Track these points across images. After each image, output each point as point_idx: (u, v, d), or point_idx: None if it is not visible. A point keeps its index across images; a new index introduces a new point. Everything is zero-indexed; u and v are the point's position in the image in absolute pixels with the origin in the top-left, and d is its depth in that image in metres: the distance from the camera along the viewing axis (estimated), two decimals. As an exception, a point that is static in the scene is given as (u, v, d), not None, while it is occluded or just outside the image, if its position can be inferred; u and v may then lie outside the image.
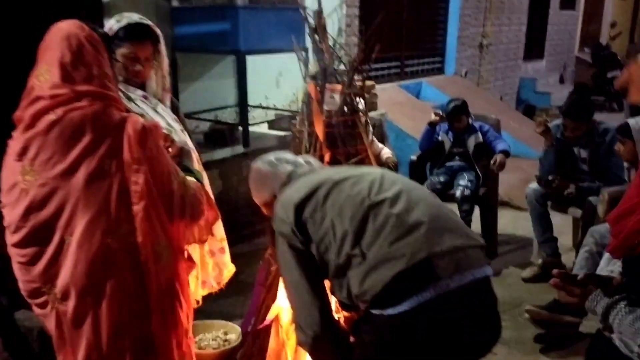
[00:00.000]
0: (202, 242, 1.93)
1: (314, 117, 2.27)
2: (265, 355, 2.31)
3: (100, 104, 1.53)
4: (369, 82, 5.46)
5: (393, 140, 5.48)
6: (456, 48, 7.82)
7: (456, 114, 4.05)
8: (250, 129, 4.10)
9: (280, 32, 3.51)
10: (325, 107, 2.26)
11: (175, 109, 2.24)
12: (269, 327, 2.34)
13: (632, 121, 2.79)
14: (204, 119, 4.17)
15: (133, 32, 2.02)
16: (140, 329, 1.58)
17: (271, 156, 1.89)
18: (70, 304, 1.53)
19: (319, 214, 1.59)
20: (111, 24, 2.03)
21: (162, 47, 2.12)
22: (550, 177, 3.55)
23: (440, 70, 7.88)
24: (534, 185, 3.71)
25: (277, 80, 4.70)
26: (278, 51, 3.53)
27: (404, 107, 6.17)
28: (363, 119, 2.45)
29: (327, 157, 2.26)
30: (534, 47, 10.50)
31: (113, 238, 1.52)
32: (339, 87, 2.27)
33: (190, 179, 1.73)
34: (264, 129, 4.51)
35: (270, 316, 2.32)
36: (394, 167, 3.92)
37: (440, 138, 4.21)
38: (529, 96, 9.76)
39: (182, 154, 1.82)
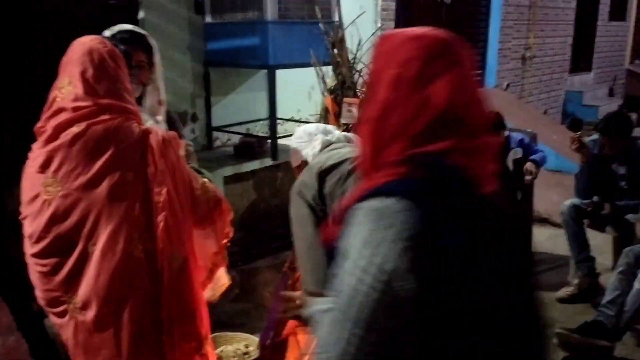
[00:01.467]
0: (228, 237, 1.94)
1: (331, 130, 2.26)
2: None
3: (121, 117, 1.57)
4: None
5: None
6: (497, 60, 7.67)
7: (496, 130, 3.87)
8: (280, 141, 4.12)
9: (310, 46, 3.52)
10: (343, 121, 2.25)
11: (171, 122, 2.22)
12: (286, 340, 2.33)
13: None
14: (235, 132, 4.23)
15: (124, 37, 2.03)
16: (159, 337, 1.60)
17: (313, 126, 1.96)
18: (90, 313, 1.56)
19: (338, 189, 1.59)
20: (104, 34, 2.05)
21: (157, 59, 2.11)
22: (585, 203, 3.41)
23: (481, 83, 7.74)
24: (569, 202, 3.57)
25: (309, 93, 4.72)
26: (307, 65, 3.54)
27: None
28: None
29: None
30: (581, 60, 10.19)
31: (136, 247, 1.54)
32: (356, 100, 2.26)
33: (204, 179, 1.77)
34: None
35: (288, 329, 2.31)
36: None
37: None
38: (575, 110, 9.46)
39: (188, 155, 1.85)
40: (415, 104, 0.88)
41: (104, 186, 1.52)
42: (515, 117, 6.95)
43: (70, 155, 1.53)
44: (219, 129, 4.16)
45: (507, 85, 7.96)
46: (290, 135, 4.71)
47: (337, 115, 2.25)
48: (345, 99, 2.22)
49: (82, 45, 1.61)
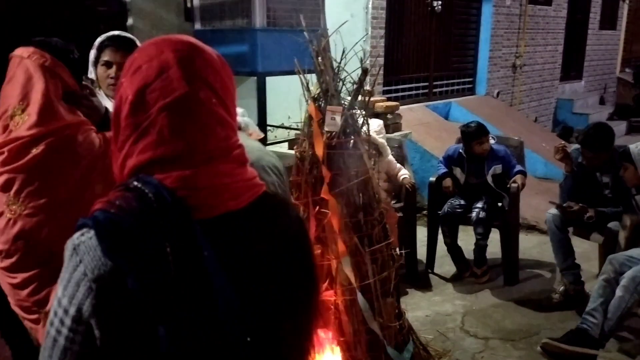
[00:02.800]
0: None
1: (315, 138, 2.28)
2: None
3: (78, 132, 1.55)
4: (392, 103, 5.48)
5: (418, 161, 5.46)
6: (487, 68, 7.73)
7: (474, 139, 3.82)
8: (270, 148, 4.14)
9: (299, 54, 3.54)
10: (326, 129, 2.27)
11: None
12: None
13: (632, 146, 2.69)
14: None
15: (112, 40, 2.08)
16: None
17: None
18: None
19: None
20: (95, 43, 2.10)
21: None
22: (565, 204, 3.43)
23: (471, 91, 7.80)
24: (553, 210, 3.59)
25: (300, 100, 4.73)
26: (296, 72, 3.56)
27: (430, 128, 6.13)
28: (367, 141, 2.44)
29: (327, 179, 2.26)
30: (572, 68, 10.28)
31: None
32: (339, 108, 2.27)
33: None
34: (284, 148, 4.55)
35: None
36: (411, 189, 3.88)
37: (455, 173, 4.01)
38: (566, 117, 9.53)
39: None
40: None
41: (71, 208, 1.49)
42: (505, 125, 7.00)
43: (31, 177, 1.50)
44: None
45: (498, 93, 8.01)
46: (281, 142, 4.74)
47: (321, 123, 2.26)
48: (329, 107, 2.23)
49: (22, 66, 1.55)
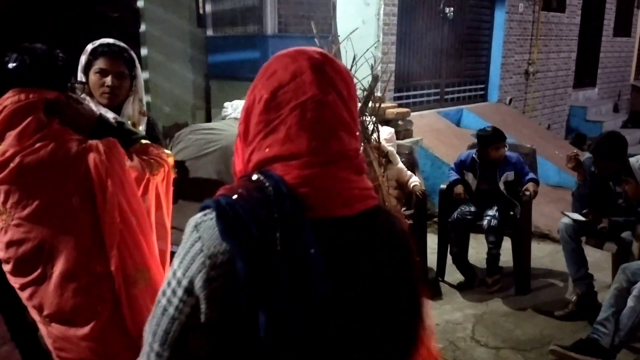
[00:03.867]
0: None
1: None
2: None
3: (53, 142, 1.55)
4: (403, 109, 5.46)
5: (429, 168, 5.43)
6: (500, 75, 7.69)
7: (491, 144, 3.82)
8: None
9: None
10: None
11: (151, 127, 2.24)
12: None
13: (632, 159, 2.64)
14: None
15: (104, 48, 2.06)
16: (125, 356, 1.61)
17: None
18: (56, 327, 1.60)
19: None
20: (87, 49, 2.08)
21: (138, 71, 2.15)
22: (584, 212, 3.39)
23: (483, 98, 7.76)
24: (566, 219, 3.55)
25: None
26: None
27: (441, 135, 6.10)
28: (377, 148, 2.43)
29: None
30: (586, 75, 10.19)
31: (94, 267, 1.56)
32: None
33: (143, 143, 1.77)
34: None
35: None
36: (422, 196, 3.86)
37: (467, 178, 3.99)
38: (579, 125, 9.45)
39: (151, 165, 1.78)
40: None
41: (52, 219, 1.54)
42: (518, 132, 6.95)
43: (12, 188, 1.54)
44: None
45: (510, 100, 7.96)
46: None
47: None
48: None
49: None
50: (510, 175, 3.85)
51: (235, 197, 0.80)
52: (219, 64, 3.97)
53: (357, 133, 0.89)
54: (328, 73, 0.87)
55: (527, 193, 3.79)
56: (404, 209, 4.03)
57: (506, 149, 3.93)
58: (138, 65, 2.15)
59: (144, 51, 3.73)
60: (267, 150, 0.84)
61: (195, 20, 4.02)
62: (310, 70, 0.86)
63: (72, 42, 2.29)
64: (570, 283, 3.72)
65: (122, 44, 2.12)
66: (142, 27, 3.72)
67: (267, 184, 0.80)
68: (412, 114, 5.75)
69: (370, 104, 2.37)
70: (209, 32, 3.98)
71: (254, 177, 0.82)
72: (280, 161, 0.83)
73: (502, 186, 3.85)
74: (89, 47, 2.07)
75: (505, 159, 3.87)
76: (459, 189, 3.93)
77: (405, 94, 6.43)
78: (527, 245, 3.94)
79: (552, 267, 4.31)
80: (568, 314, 3.50)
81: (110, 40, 2.10)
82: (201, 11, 3.99)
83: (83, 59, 2.07)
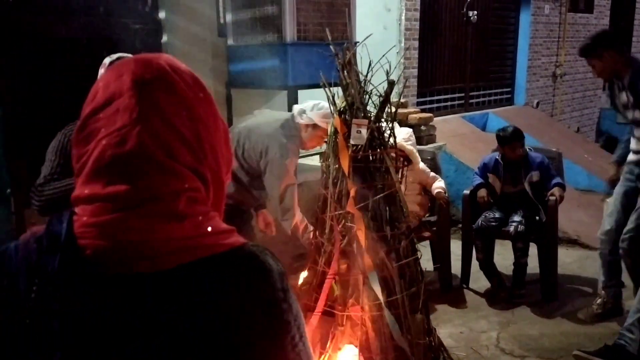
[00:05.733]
0: None
1: (340, 151, 2.27)
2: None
3: None
4: (426, 114, 5.42)
5: (453, 173, 5.37)
6: (526, 78, 7.57)
7: (508, 142, 3.79)
8: (302, 160, 4.14)
9: (329, 67, 3.56)
10: (352, 142, 2.26)
11: None
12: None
13: None
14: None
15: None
16: None
17: None
18: None
19: None
20: (105, 62, 2.11)
21: None
22: None
23: (509, 101, 7.65)
24: (606, 227, 3.43)
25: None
26: (327, 86, 3.58)
27: (466, 139, 6.03)
28: (394, 152, 2.41)
29: (352, 192, 2.24)
30: (616, 76, 9.96)
31: None
32: (365, 121, 2.26)
33: None
34: (315, 160, 4.55)
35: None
36: (445, 204, 3.81)
37: (491, 181, 3.93)
38: (610, 128, 9.21)
39: None
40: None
41: None
42: (545, 135, 6.83)
43: None
44: (240, 149, 4.21)
45: (537, 104, 7.83)
46: (313, 154, 4.74)
47: (346, 136, 2.25)
48: (354, 120, 2.22)
49: None
50: (535, 175, 3.79)
51: (17, 241, 0.72)
52: (240, 73, 4.00)
53: (198, 165, 0.74)
54: (154, 94, 0.72)
55: (553, 198, 3.71)
56: (427, 214, 3.99)
57: (525, 149, 3.86)
58: None
59: (166, 62, 3.79)
60: (75, 190, 0.72)
61: (216, 30, 4.06)
62: (130, 91, 0.71)
63: (98, 54, 2.33)
64: (599, 289, 3.62)
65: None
66: (164, 38, 3.78)
67: (50, 229, 0.71)
68: (436, 119, 5.70)
69: (386, 110, 2.35)
70: (230, 42, 4.02)
71: (51, 220, 0.72)
72: (82, 204, 0.71)
73: (527, 187, 3.78)
74: (107, 60, 2.10)
75: (529, 159, 3.82)
76: (482, 192, 3.87)
77: (428, 98, 6.39)
78: (553, 251, 3.85)
79: (581, 273, 4.20)
80: (593, 316, 3.41)
81: (125, 54, 2.13)
82: (222, 21, 4.03)
83: (101, 72, 2.11)
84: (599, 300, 3.46)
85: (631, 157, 3.35)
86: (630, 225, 3.21)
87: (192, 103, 0.75)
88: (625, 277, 3.53)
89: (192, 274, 0.68)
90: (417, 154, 3.70)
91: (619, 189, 3.38)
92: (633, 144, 3.31)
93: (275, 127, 2.76)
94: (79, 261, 0.67)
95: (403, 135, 3.53)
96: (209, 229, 0.72)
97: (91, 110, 0.73)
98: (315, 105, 3.14)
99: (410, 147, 3.56)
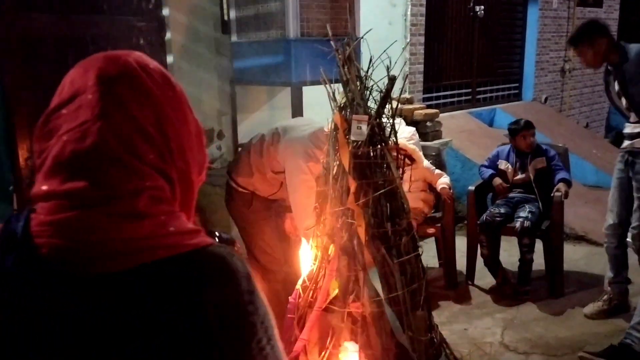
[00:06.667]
0: None
1: (340, 147, 2.25)
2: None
3: None
4: (432, 110, 5.39)
5: (459, 169, 5.34)
6: (534, 73, 7.51)
7: (519, 132, 3.92)
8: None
9: (333, 63, 3.55)
10: (352, 138, 2.24)
11: None
12: (296, 358, 2.32)
13: None
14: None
15: None
16: None
17: None
18: None
19: None
20: None
21: None
22: None
23: (517, 97, 7.59)
24: (610, 221, 3.41)
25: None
26: (328, 82, 3.57)
27: (472, 135, 5.99)
28: (395, 149, 2.39)
29: (353, 188, 2.23)
30: (626, 71, 9.84)
31: None
32: (366, 117, 2.24)
33: None
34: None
35: (296, 350, 2.30)
36: (450, 200, 3.79)
37: (501, 167, 4.04)
38: (619, 123, 9.08)
39: None
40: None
41: None
42: (554, 131, 6.77)
43: None
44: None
45: (546, 99, 7.77)
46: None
47: (347, 132, 2.24)
48: (354, 116, 2.21)
49: None
50: (540, 161, 3.89)
51: None
52: (244, 70, 3.99)
53: (162, 164, 0.72)
54: (118, 91, 0.71)
55: (558, 194, 3.68)
56: (432, 211, 3.98)
57: (535, 139, 3.98)
58: None
59: (170, 59, 3.79)
60: (34, 187, 0.71)
61: (220, 26, 4.05)
62: (94, 87, 0.71)
63: (100, 52, 2.32)
64: (605, 285, 3.58)
65: None
66: (168, 35, 3.77)
67: (9, 227, 0.69)
68: (443, 114, 5.67)
69: (387, 106, 2.33)
70: (234, 38, 4.01)
71: (11, 216, 0.71)
72: (40, 201, 0.69)
73: (531, 173, 3.87)
74: None
75: (538, 148, 3.96)
76: (498, 180, 3.97)
77: (435, 94, 6.35)
78: (559, 247, 3.82)
79: (588, 269, 4.17)
80: (599, 313, 3.39)
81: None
82: (226, 17, 4.02)
83: None
84: (605, 297, 3.43)
85: (624, 144, 3.33)
86: (636, 221, 3.18)
87: (159, 101, 0.74)
88: (632, 274, 3.50)
89: (152, 274, 0.67)
90: (420, 153, 3.70)
91: (614, 182, 3.36)
92: (626, 129, 3.28)
93: (306, 132, 2.74)
94: (34, 260, 0.66)
95: (405, 135, 3.53)
96: (172, 228, 0.70)
97: (55, 105, 0.73)
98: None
99: (412, 146, 3.56)
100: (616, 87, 3.14)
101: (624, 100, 3.13)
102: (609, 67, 3.18)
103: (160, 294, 0.66)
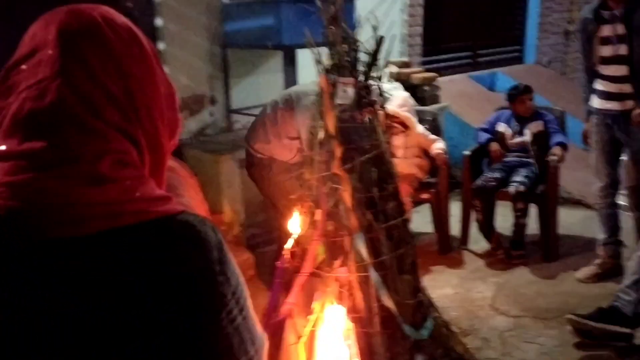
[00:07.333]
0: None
1: (325, 111, 2.22)
2: (281, 351, 2.31)
3: None
4: (430, 74, 5.30)
5: (457, 134, 5.28)
6: (537, 35, 7.35)
7: (517, 96, 3.89)
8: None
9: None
10: (338, 101, 2.20)
11: None
12: (283, 322, 2.34)
13: None
14: (254, 115, 4.22)
15: None
16: None
17: None
18: None
19: None
20: None
21: None
22: None
23: (519, 60, 7.45)
24: (601, 183, 3.39)
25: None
26: (314, 45, 3.50)
27: (472, 100, 5.90)
28: (384, 114, 2.35)
29: (338, 153, 2.20)
30: (633, 32, 9.64)
31: None
32: (352, 80, 2.19)
33: None
34: (316, 122, 4.50)
35: (285, 312, 2.32)
36: (444, 165, 3.76)
37: (499, 129, 4.00)
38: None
39: None
40: None
41: None
42: (555, 94, 6.67)
43: None
44: (238, 111, 4.16)
45: (549, 62, 7.62)
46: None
47: (332, 96, 2.20)
48: (340, 79, 2.16)
49: None
50: (536, 125, 3.87)
51: None
52: (235, 32, 3.92)
53: (127, 126, 0.69)
54: (80, 46, 0.68)
55: (554, 158, 3.65)
56: (427, 176, 3.95)
57: (534, 103, 3.97)
58: None
59: (159, 22, 3.72)
60: None
61: (211, -12, 3.96)
62: (55, 42, 0.67)
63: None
64: (597, 248, 3.57)
65: None
66: (158, -2, 3.69)
67: None
68: (442, 78, 5.57)
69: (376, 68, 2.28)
70: (225, 0, 3.92)
71: None
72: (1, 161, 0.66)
73: (529, 136, 3.86)
74: None
75: (537, 112, 3.94)
76: (495, 145, 3.94)
77: (435, 57, 6.23)
78: (553, 212, 3.80)
79: (583, 233, 4.16)
80: (592, 277, 3.40)
81: None
82: (216, -22, 3.93)
83: None
84: (597, 261, 3.44)
85: (600, 104, 3.26)
86: (629, 181, 3.19)
87: (125, 60, 0.70)
88: (625, 237, 3.49)
89: (113, 241, 0.63)
90: (414, 119, 3.65)
91: (598, 144, 3.32)
92: (602, 87, 3.22)
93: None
94: None
95: (397, 102, 3.50)
96: (138, 194, 0.66)
97: (15, 60, 0.69)
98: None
99: (405, 113, 3.52)
100: (606, 32, 3.06)
101: (608, 48, 3.06)
102: (601, 13, 3.09)
103: (121, 261, 0.63)
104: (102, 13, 0.72)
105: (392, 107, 3.48)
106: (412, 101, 3.69)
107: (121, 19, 0.74)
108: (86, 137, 0.66)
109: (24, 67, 0.68)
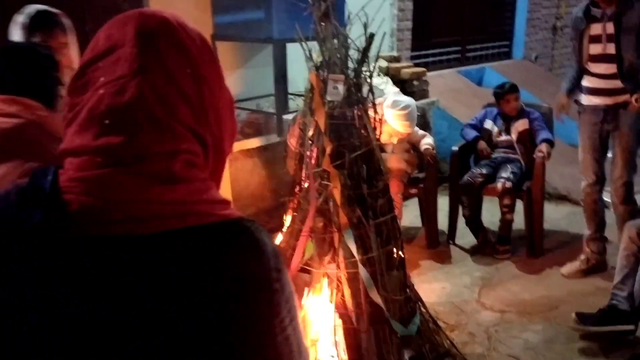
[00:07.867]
0: None
1: (316, 108, 2.22)
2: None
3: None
4: (419, 69, 5.31)
5: (446, 129, 5.31)
6: (525, 31, 7.39)
7: (503, 95, 3.91)
8: (291, 116, 4.08)
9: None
10: (328, 98, 2.21)
11: None
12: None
13: None
14: (244, 108, 4.21)
15: (40, 21, 1.97)
16: None
17: None
18: None
19: None
20: (16, 19, 1.98)
21: (72, 37, 2.05)
22: None
23: (507, 55, 7.49)
24: (589, 180, 3.43)
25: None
26: (307, 39, 3.49)
27: (460, 95, 5.93)
28: (374, 110, 2.36)
29: (328, 149, 2.21)
30: (619, 29, 9.72)
31: None
32: (342, 77, 2.20)
33: None
34: (305, 117, 4.49)
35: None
36: (433, 160, 3.78)
37: (486, 126, 4.02)
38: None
39: None
40: None
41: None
42: (543, 90, 6.71)
43: None
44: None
45: (536, 57, 7.68)
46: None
47: (322, 93, 2.20)
48: (330, 76, 2.16)
49: None
50: (524, 122, 3.91)
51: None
52: (225, 25, 3.89)
53: (198, 127, 0.69)
54: (158, 46, 0.68)
55: (540, 155, 3.68)
56: (416, 171, 3.97)
57: (520, 103, 3.98)
58: (71, 30, 2.06)
59: (148, 14, 3.68)
60: (64, 143, 0.68)
61: (201, -20, 3.92)
62: (133, 41, 0.68)
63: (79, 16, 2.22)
64: (583, 244, 3.63)
65: (53, 10, 2.02)
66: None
67: (36, 182, 0.66)
68: (431, 73, 5.59)
69: (367, 65, 2.28)
70: (215, -8, 3.89)
71: (34, 172, 0.68)
72: (69, 156, 0.67)
73: (514, 135, 3.89)
74: (21, 19, 1.96)
75: (522, 111, 3.97)
76: (483, 144, 3.97)
77: (423, 52, 6.25)
78: (539, 207, 3.83)
79: (569, 229, 4.21)
80: (576, 272, 3.45)
81: (41, 8, 2.00)
82: (206, -30, 3.89)
83: (18, 33, 1.97)
84: (582, 257, 3.49)
85: (589, 100, 3.30)
86: (617, 176, 3.23)
87: (198, 62, 0.71)
88: (609, 233, 3.54)
89: (178, 241, 0.64)
90: (414, 129, 3.68)
91: (586, 141, 3.36)
92: (590, 84, 3.26)
93: None
94: (62, 217, 0.63)
95: (387, 103, 3.52)
96: (204, 196, 0.67)
97: (90, 58, 0.69)
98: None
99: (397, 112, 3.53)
100: (597, 30, 3.10)
101: (600, 46, 3.10)
102: (592, 11, 3.13)
103: (184, 262, 0.64)
104: (174, 16, 0.73)
105: (389, 107, 3.53)
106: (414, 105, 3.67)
107: (191, 24, 0.74)
108: (161, 135, 0.66)
109: (100, 64, 0.69)
